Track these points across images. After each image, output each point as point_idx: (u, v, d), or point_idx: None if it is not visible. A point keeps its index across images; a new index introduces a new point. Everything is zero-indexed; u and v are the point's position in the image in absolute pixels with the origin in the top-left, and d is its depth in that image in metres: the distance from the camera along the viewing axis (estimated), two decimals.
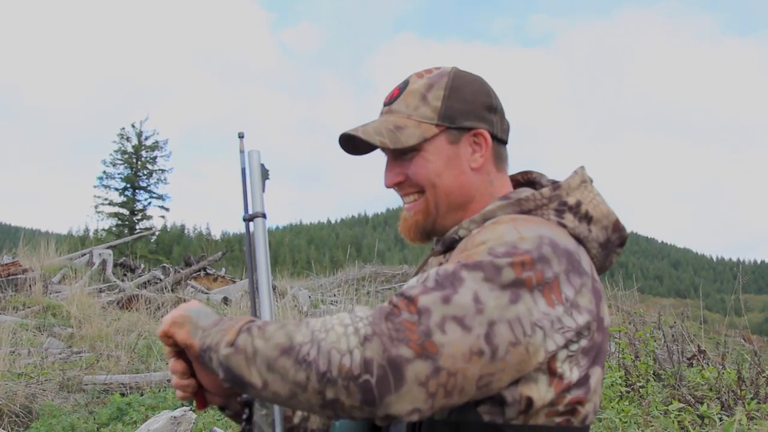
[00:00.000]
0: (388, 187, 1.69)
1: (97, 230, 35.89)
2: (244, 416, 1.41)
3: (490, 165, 1.65)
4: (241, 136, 1.72)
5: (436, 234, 1.67)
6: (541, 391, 1.40)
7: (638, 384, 5.57)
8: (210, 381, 1.52)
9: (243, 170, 1.72)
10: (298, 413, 1.76)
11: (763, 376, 5.32)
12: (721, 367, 5.87)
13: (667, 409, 5.01)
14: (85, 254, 14.63)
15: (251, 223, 1.65)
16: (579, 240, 1.52)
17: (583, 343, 1.42)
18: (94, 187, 38.00)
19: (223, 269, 16.45)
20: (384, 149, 1.65)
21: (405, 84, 1.67)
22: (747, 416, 4.59)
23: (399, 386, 1.21)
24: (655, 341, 6.49)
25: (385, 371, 1.21)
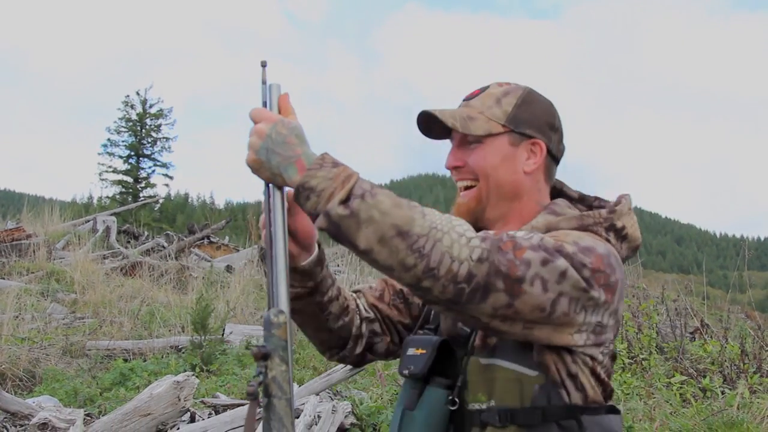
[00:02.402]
0: (447, 168, 1.91)
1: (101, 197, 35.85)
2: (260, 370, 1.42)
3: (540, 174, 1.87)
4: (264, 64, 1.68)
5: (482, 222, 1.86)
6: (590, 382, 1.71)
7: (641, 356, 5.58)
8: (298, 219, 1.72)
9: (264, 103, 1.67)
10: (329, 294, 1.89)
11: (766, 350, 5.32)
12: (723, 341, 5.87)
13: (670, 382, 5.03)
14: (89, 221, 14.62)
15: (275, 190, 1.59)
16: None
17: (610, 347, 1.74)
18: (99, 154, 37.75)
19: (227, 237, 16.47)
20: (452, 136, 1.88)
21: (486, 87, 1.89)
22: (749, 390, 4.59)
23: (480, 303, 1.49)
24: (658, 315, 6.48)
25: (479, 288, 1.48)
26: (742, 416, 4.22)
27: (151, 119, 37.42)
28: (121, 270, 10.39)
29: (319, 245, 1.85)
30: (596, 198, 1.93)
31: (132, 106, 37.32)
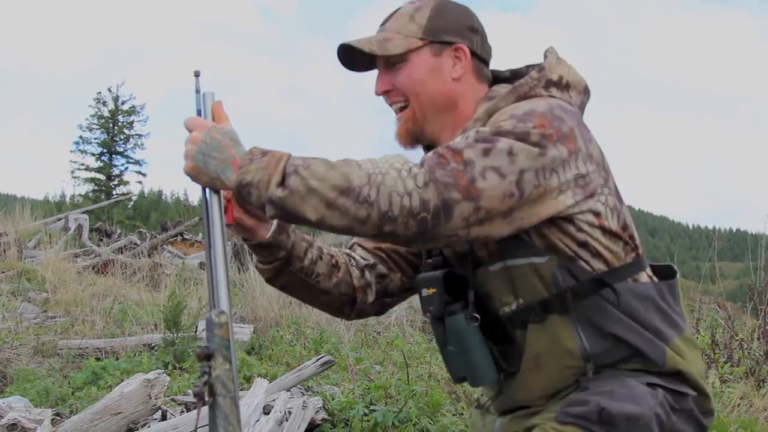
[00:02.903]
0: (378, 94, 1.89)
1: (73, 195, 35.58)
2: (204, 371, 1.42)
3: (470, 77, 1.87)
4: (197, 74, 1.71)
5: (425, 139, 1.88)
6: (603, 241, 1.70)
7: None
8: (244, 211, 1.76)
9: (198, 112, 1.71)
10: (309, 257, 1.91)
11: (736, 340, 5.37)
12: (695, 332, 5.93)
13: None
14: (60, 219, 14.48)
15: (211, 194, 1.65)
16: None
17: (609, 190, 1.72)
18: (71, 152, 37.56)
19: (200, 234, 16.39)
20: (376, 63, 1.88)
21: (397, 9, 1.89)
22: (720, 379, 4.63)
23: (448, 222, 1.50)
24: None
25: (438, 210, 1.48)
26: (713, 406, 4.24)
27: (124, 116, 37.25)
28: (93, 268, 10.31)
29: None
30: (527, 66, 1.92)
31: (104, 103, 37.14)
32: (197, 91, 1.71)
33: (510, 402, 1.85)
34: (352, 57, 1.86)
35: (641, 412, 1.60)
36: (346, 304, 1.99)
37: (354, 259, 2.01)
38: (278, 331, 6.43)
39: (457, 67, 1.84)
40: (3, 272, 9.73)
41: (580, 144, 1.64)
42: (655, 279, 1.82)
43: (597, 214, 1.69)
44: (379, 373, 5.11)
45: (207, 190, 1.64)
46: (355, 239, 2.09)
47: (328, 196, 1.48)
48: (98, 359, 6.09)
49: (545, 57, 1.84)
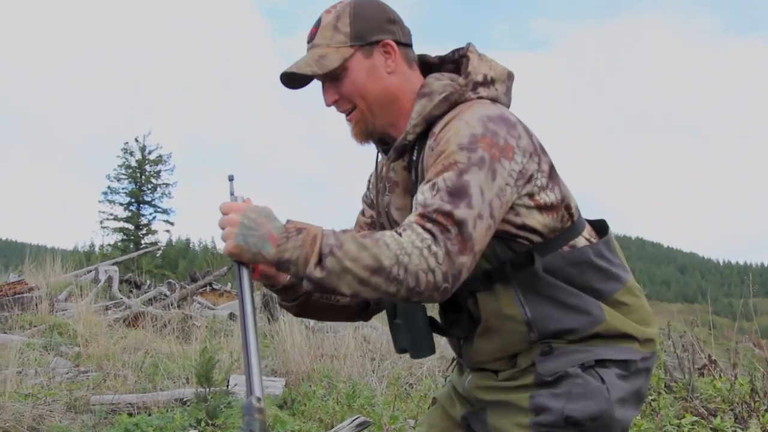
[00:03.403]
0: (328, 105, 2.04)
1: (102, 245, 35.99)
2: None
3: (402, 66, 2.03)
4: (231, 178, 1.94)
5: (376, 133, 2.04)
6: (539, 219, 1.88)
7: (650, 397, 5.52)
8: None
9: (231, 194, 1.91)
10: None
11: None
12: (732, 376, 5.81)
13: (680, 423, 4.96)
14: (90, 271, 14.59)
15: (240, 267, 1.83)
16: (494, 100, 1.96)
17: (542, 173, 1.87)
18: (99, 202, 38.02)
19: (229, 284, 16.42)
20: (315, 78, 2.01)
21: (319, 21, 2.02)
22: (762, 429, 4.53)
23: (459, 281, 1.68)
24: (664, 351, 6.42)
25: (455, 277, 1.67)
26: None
27: (151, 165, 37.67)
28: (124, 321, 10.35)
29: None
30: (453, 51, 2.09)
31: (131, 153, 37.61)
32: (231, 194, 1.91)
33: (470, 363, 2.08)
34: (293, 79, 2.00)
35: (601, 409, 1.83)
36: (362, 310, 2.22)
37: None
38: (310, 385, 6.39)
39: (389, 61, 2.01)
40: (35, 326, 9.79)
41: (513, 144, 1.82)
42: (594, 239, 2.02)
43: (531, 196, 1.87)
44: (413, 428, 5.05)
45: (241, 268, 1.82)
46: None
47: (361, 275, 1.65)
48: (131, 415, 6.09)
49: (465, 56, 2.03)
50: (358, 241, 1.67)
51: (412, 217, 1.72)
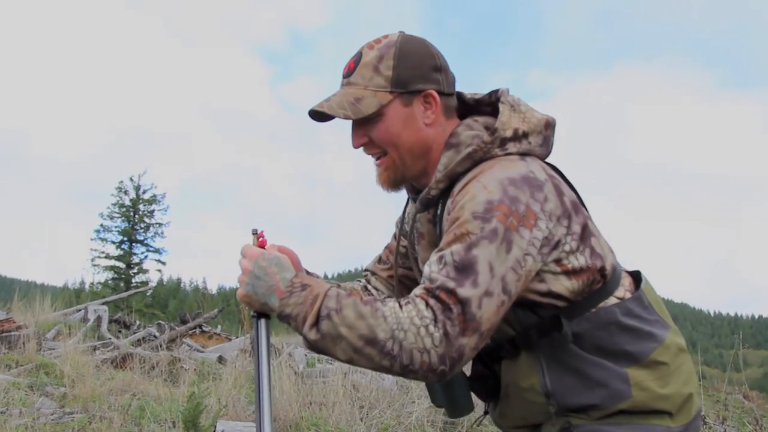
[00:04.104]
0: (355, 147, 1.93)
1: (93, 283, 35.83)
2: None
3: (441, 118, 1.91)
4: (255, 232, 1.90)
5: (406, 181, 1.97)
6: (566, 284, 1.77)
7: None
8: None
9: (254, 231, 1.91)
10: None
11: None
12: (722, 430, 5.80)
13: None
14: (80, 310, 14.50)
15: (260, 321, 1.82)
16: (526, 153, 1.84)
17: (571, 236, 1.76)
18: (91, 239, 37.92)
19: (219, 326, 16.34)
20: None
21: (359, 57, 1.90)
22: None
23: (461, 360, 1.59)
24: None
25: (454, 360, 1.58)
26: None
27: (145, 205, 37.68)
28: (112, 362, 10.26)
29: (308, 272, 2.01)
30: (489, 94, 1.97)
31: (125, 192, 37.64)
32: (254, 233, 1.90)
33: (497, 424, 2.02)
34: (321, 114, 1.88)
35: None
36: None
37: (370, 293, 2.20)
38: None
39: (428, 112, 1.89)
40: (21, 365, 9.70)
41: (536, 210, 1.69)
42: (630, 293, 1.88)
43: (558, 261, 1.76)
44: None
45: (259, 322, 1.81)
46: (370, 266, 2.28)
47: (355, 344, 1.59)
48: None
49: (496, 108, 1.90)
50: (357, 308, 1.61)
51: (417, 290, 1.65)
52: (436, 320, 1.57)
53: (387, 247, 2.28)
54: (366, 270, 2.31)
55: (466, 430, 6.54)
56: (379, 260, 2.28)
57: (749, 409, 8.49)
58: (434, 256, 1.68)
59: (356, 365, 1.64)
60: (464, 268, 1.61)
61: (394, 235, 2.25)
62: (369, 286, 2.24)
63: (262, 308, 1.75)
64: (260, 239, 1.88)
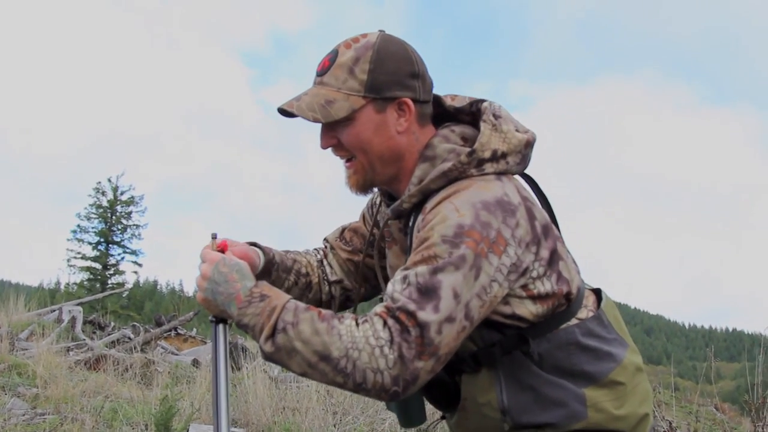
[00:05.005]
0: (323, 148, 1.89)
1: (68, 284, 35.53)
2: None
3: (414, 126, 1.85)
4: (214, 236, 1.87)
5: (375, 185, 1.93)
6: (531, 308, 1.76)
7: None
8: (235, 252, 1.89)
9: (213, 236, 1.88)
10: (285, 286, 2.10)
11: None
12: None
13: None
14: (54, 310, 14.40)
15: (218, 326, 1.82)
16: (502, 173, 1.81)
17: (539, 262, 1.75)
18: (68, 240, 37.64)
19: (194, 330, 16.28)
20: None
21: (334, 55, 1.83)
22: None
23: (416, 382, 1.59)
24: None
25: (408, 382, 1.58)
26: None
27: (122, 206, 37.45)
28: (86, 363, 10.20)
29: (266, 253, 2.03)
30: (470, 103, 1.92)
31: (103, 193, 37.42)
32: (213, 237, 1.87)
33: None
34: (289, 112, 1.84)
35: None
36: (320, 303, 2.16)
37: (326, 272, 2.18)
38: None
39: (401, 120, 1.84)
40: None
41: (507, 236, 1.67)
42: (591, 312, 1.88)
43: (524, 287, 1.75)
44: None
45: (214, 324, 1.81)
46: (333, 237, 2.25)
47: (310, 359, 1.60)
48: None
49: (481, 118, 1.85)
50: (314, 324, 1.61)
51: (378, 308, 1.64)
52: (392, 341, 1.57)
53: (352, 228, 2.23)
54: (326, 240, 2.27)
55: None
56: (341, 236, 2.23)
57: (720, 421, 8.57)
58: (399, 275, 1.66)
59: (311, 379, 1.64)
60: (427, 292, 1.59)
61: (363, 218, 2.23)
62: (325, 262, 2.21)
63: (221, 314, 1.75)
64: (220, 243, 1.85)
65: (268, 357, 1.65)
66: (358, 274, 2.16)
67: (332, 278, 2.18)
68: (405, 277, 1.64)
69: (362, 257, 2.13)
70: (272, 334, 1.62)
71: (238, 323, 1.69)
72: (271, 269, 2.04)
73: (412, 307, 1.58)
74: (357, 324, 1.61)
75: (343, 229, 2.25)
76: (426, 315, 1.57)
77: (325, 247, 2.26)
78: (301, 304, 1.67)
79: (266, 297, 1.68)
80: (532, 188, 1.91)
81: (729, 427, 7.21)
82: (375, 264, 2.10)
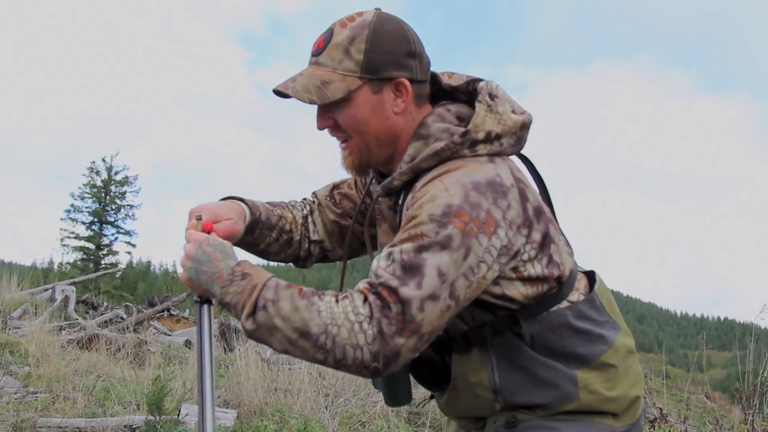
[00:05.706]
0: (319, 129, 1.87)
1: (61, 263, 35.51)
2: None
3: (411, 106, 1.84)
4: (199, 218, 1.85)
5: (371, 166, 1.92)
6: (521, 290, 1.76)
7: None
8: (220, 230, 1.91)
9: (198, 218, 1.86)
10: (266, 241, 2.13)
11: None
12: (682, 429, 5.87)
13: None
14: (47, 289, 14.38)
15: (203, 307, 1.82)
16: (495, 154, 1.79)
17: (531, 245, 1.74)
18: (61, 219, 37.58)
19: (187, 310, 16.29)
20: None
21: (330, 35, 1.81)
22: None
23: (397, 360, 1.59)
24: None
25: (388, 358, 1.57)
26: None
27: (116, 186, 37.39)
28: (78, 342, 10.20)
29: (253, 213, 2.04)
30: (467, 82, 1.90)
31: (97, 173, 37.31)
32: (198, 218, 1.85)
33: (443, 411, 2.03)
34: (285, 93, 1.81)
35: None
36: (289, 262, 2.21)
37: (308, 229, 2.19)
38: (262, 419, 6.34)
39: (398, 101, 1.81)
40: None
41: (498, 218, 1.66)
42: (583, 295, 1.88)
43: (515, 269, 1.74)
44: None
45: (199, 304, 1.80)
46: (318, 193, 2.25)
47: (290, 336, 1.60)
48: None
49: (476, 98, 1.82)
50: (293, 301, 1.61)
51: (360, 284, 1.64)
52: (371, 317, 1.57)
53: (343, 191, 2.21)
54: (315, 195, 2.25)
55: (431, 421, 6.58)
56: (331, 195, 2.22)
57: (711, 409, 8.62)
58: (384, 251, 1.66)
59: (293, 356, 1.64)
60: (411, 269, 1.59)
61: (356, 183, 2.20)
62: (310, 218, 2.20)
63: (205, 293, 1.75)
64: (205, 224, 1.84)
65: (249, 334, 1.64)
66: (341, 237, 2.17)
67: (314, 237, 2.18)
68: (390, 254, 1.63)
69: (351, 223, 2.12)
70: (253, 312, 1.62)
71: (221, 302, 1.69)
72: (255, 228, 2.06)
73: (394, 283, 1.58)
74: (337, 300, 1.61)
75: (334, 187, 2.23)
76: (408, 291, 1.57)
77: (313, 202, 2.24)
78: (282, 282, 1.66)
79: (248, 275, 1.68)
80: (528, 169, 1.91)
81: (719, 414, 7.24)
82: (365, 233, 2.09)
